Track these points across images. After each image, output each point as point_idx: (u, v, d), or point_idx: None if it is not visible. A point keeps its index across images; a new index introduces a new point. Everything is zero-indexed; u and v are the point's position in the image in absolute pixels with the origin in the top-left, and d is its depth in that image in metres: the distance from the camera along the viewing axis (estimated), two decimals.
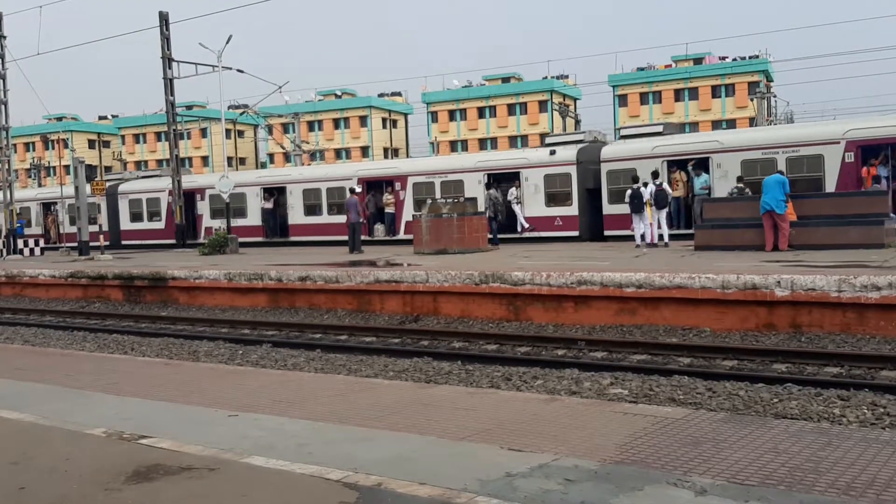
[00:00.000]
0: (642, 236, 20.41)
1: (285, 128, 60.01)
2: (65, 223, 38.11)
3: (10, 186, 34.42)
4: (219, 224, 31.96)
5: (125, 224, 35.90)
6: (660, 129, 25.59)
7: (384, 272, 15.73)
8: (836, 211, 17.02)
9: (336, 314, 15.96)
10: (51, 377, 7.83)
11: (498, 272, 14.21)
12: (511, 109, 75.34)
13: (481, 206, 25.13)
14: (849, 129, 21.20)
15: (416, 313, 15.05)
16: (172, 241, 33.04)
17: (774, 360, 9.94)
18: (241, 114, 49.50)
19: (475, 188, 26.06)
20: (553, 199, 25.40)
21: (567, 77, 77.75)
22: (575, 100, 75.12)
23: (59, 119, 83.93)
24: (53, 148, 71.26)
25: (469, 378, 9.55)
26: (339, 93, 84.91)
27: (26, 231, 37.77)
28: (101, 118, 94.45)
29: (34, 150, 78.34)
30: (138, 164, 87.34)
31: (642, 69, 72.47)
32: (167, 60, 32.24)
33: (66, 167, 60.71)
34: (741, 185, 21.18)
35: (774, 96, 54.41)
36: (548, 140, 27.72)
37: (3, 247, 33.19)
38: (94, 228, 34.55)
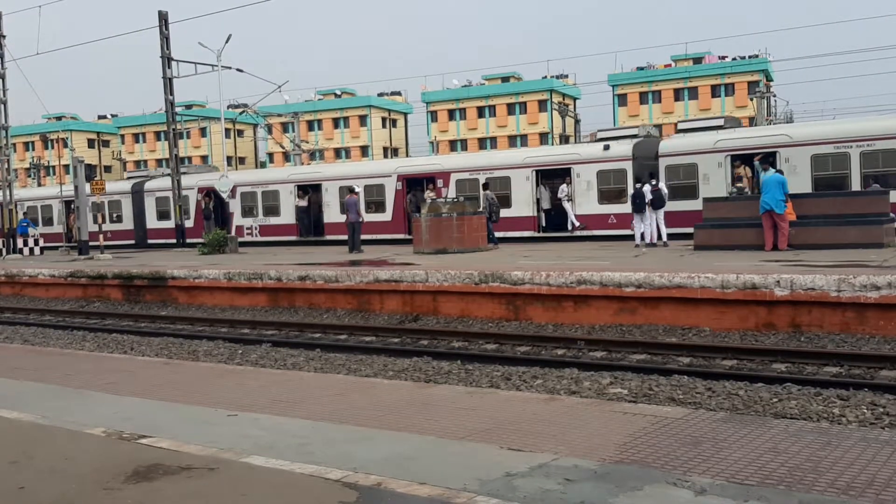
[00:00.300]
0: (642, 236, 20.42)
1: (285, 127, 59.99)
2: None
3: (9, 186, 34.38)
4: (251, 222, 31.50)
5: (151, 222, 35.04)
6: (720, 122, 24.64)
7: (384, 272, 15.73)
8: (836, 210, 17.02)
9: (336, 314, 15.95)
10: (50, 377, 7.83)
11: (497, 272, 14.21)
12: (510, 109, 75.33)
13: (529, 203, 24.53)
14: None
15: (416, 313, 15.05)
16: (202, 241, 32.39)
17: (774, 360, 9.94)
18: (241, 113, 49.48)
19: (522, 185, 25.17)
20: (606, 196, 24.22)
21: (567, 77, 77.77)
22: (574, 99, 75.12)
23: (59, 118, 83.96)
24: (53, 147, 71.23)
25: (469, 378, 9.55)
26: (338, 92, 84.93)
27: (46, 230, 37.43)
28: (100, 118, 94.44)
29: (33, 149, 78.30)
30: (137, 164, 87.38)
31: (642, 69, 72.47)
32: (166, 60, 32.22)
33: (66, 167, 60.74)
34: (740, 184, 21.20)
35: (774, 96, 54.42)
36: (599, 135, 26.68)
37: (3, 246, 33.17)
38: (119, 227, 34.04)
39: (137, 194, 35.35)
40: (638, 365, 10.00)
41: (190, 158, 79.04)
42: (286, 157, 65.92)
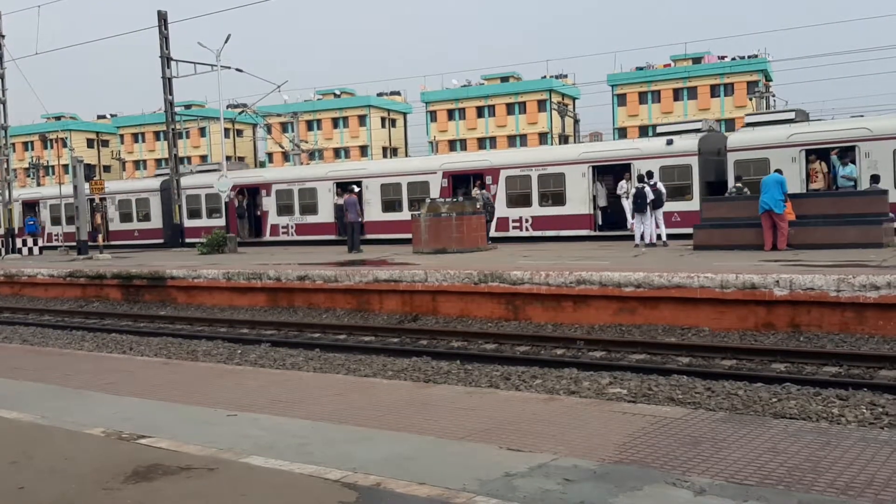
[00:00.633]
0: (641, 236, 20.42)
1: (284, 127, 59.97)
2: (115, 220, 36.44)
3: (8, 186, 34.35)
4: (287, 221, 30.66)
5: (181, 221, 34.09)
6: (791, 115, 23.66)
7: (383, 271, 15.73)
8: (835, 210, 17.03)
9: (335, 313, 15.95)
10: (49, 377, 7.83)
11: (497, 272, 14.21)
12: (510, 109, 75.32)
13: (585, 201, 23.77)
14: None
15: (415, 313, 15.05)
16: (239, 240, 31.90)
17: (773, 360, 9.95)
18: (240, 113, 49.49)
19: (578, 181, 24.10)
20: (670, 193, 22.64)
21: (566, 76, 77.76)
22: (574, 99, 75.12)
23: (58, 118, 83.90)
24: (52, 147, 71.17)
25: (468, 377, 9.55)
26: (337, 92, 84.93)
27: (71, 229, 36.84)
28: (99, 117, 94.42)
29: (33, 149, 78.24)
30: (137, 164, 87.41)
31: (641, 69, 72.48)
32: (166, 60, 32.22)
33: (65, 167, 60.69)
34: (740, 184, 21.19)
35: (773, 96, 54.45)
36: (659, 129, 25.79)
37: (2, 246, 33.16)
38: (147, 226, 33.46)
39: (167, 192, 34.35)
40: (637, 365, 10.00)
41: (189, 158, 78.99)
42: (285, 157, 65.95)
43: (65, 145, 65.81)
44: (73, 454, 4.97)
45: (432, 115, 78.45)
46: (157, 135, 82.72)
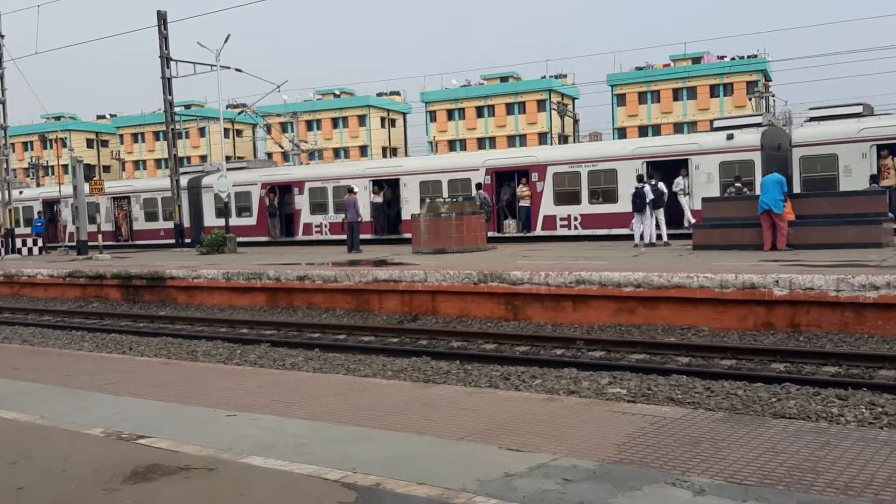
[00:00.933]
0: (641, 235, 20.44)
1: (284, 127, 59.98)
2: (139, 219, 35.70)
3: (8, 186, 34.35)
4: (320, 220, 30.00)
5: (210, 220, 33.03)
6: (859, 108, 22.89)
7: (382, 271, 15.73)
8: (835, 210, 17.04)
9: (334, 313, 15.95)
10: (49, 377, 7.82)
11: (496, 272, 14.21)
12: (509, 109, 75.36)
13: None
14: None
15: (415, 313, 15.05)
16: (265, 238, 31.09)
17: (773, 360, 9.95)
18: (240, 113, 49.49)
19: (631, 178, 22.76)
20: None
21: (565, 76, 77.81)
22: (573, 99, 75.16)
23: (58, 118, 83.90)
24: (51, 147, 71.20)
25: (468, 377, 9.55)
26: (337, 92, 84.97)
27: (93, 228, 36.76)
28: (99, 117, 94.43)
29: (32, 149, 78.27)
30: (136, 164, 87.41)
31: (641, 69, 72.51)
32: (165, 60, 32.22)
33: (65, 167, 60.70)
34: (739, 184, 21.21)
35: (773, 95, 54.42)
36: (717, 123, 24.88)
37: (2, 246, 33.16)
38: (172, 225, 32.55)
39: (194, 190, 33.64)
40: (637, 365, 10.00)
41: (189, 158, 79.00)
42: (285, 157, 65.88)
43: (64, 145, 65.83)
44: (72, 454, 4.97)
45: (432, 115, 78.48)
46: (156, 135, 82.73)
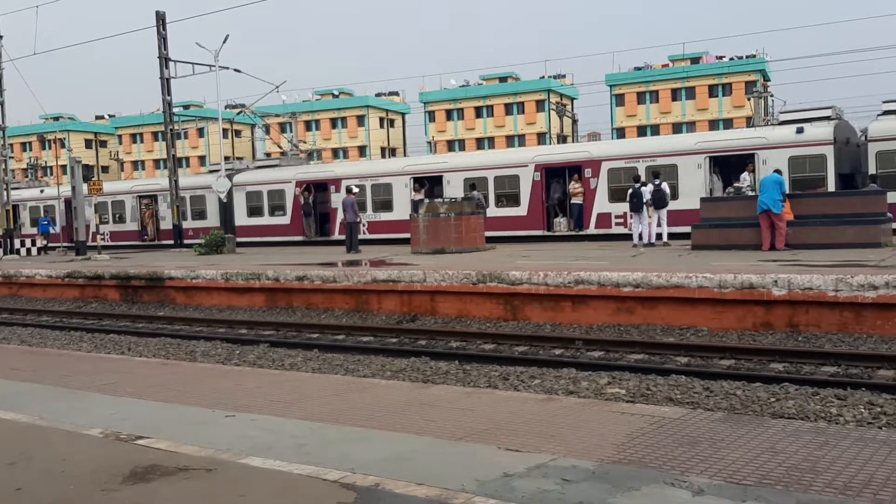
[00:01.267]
0: (640, 235, 20.46)
1: (282, 127, 59.94)
2: (167, 218, 34.41)
3: (6, 187, 34.33)
4: (359, 218, 28.89)
5: (241, 219, 32.17)
6: None
7: (381, 272, 15.73)
8: (833, 210, 17.05)
9: (333, 314, 15.95)
10: (48, 377, 7.82)
11: (495, 272, 14.21)
12: (508, 109, 75.33)
13: (701, 194, 21.60)
14: None
15: (414, 313, 15.05)
16: (300, 238, 30.18)
17: (772, 360, 9.96)
18: (239, 113, 49.45)
19: (693, 173, 22.25)
20: (801, 186, 21.13)
21: (564, 77, 77.77)
22: (572, 99, 75.16)
23: (56, 119, 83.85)
24: (50, 148, 71.14)
25: (467, 378, 9.55)
26: (336, 92, 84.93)
27: (118, 228, 35.69)
28: (97, 118, 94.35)
29: (31, 149, 78.23)
30: (135, 164, 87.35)
31: (639, 69, 72.51)
32: (164, 60, 32.21)
33: (63, 167, 60.66)
34: (738, 184, 21.23)
35: (771, 96, 54.31)
36: (782, 117, 24.03)
37: (1, 247, 33.15)
38: (202, 224, 31.65)
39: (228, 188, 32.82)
40: (636, 365, 10.00)
41: (187, 159, 79.01)
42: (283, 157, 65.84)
43: (63, 146, 65.80)
44: (71, 455, 4.96)
45: (431, 116, 78.44)
46: (155, 135, 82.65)
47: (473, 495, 3.85)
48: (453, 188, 27.04)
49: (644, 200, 20.15)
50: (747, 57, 68.39)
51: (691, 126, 63.82)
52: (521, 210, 25.89)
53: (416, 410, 5.84)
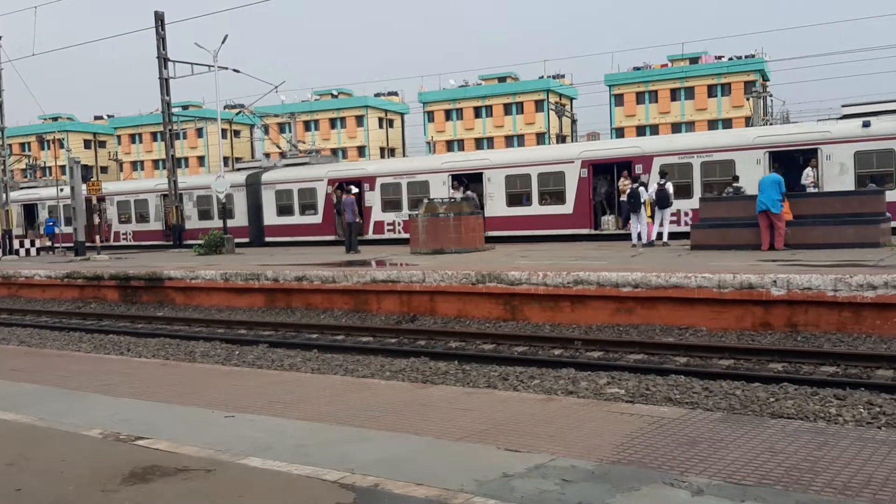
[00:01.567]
0: (639, 235, 20.46)
1: (281, 128, 60.00)
2: (192, 217, 33.87)
3: (5, 187, 34.32)
4: (393, 217, 28.31)
5: (270, 219, 31.56)
6: None
7: (381, 272, 15.73)
8: (832, 210, 17.06)
9: (333, 314, 15.95)
10: (47, 378, 7.82)
11: (495, 272, 14.21)
12: (507, 109, 75.32)
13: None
14: None
15: (413, 313, 15.05)
16: (331, 238, 29.51)
17: (771, 360, 9.96)
18: (238, 114, 49.48)
19: (752, 169, 21.20)
20: (867, 182, 20.47)
21: (563, 77, 77.75)
22: (571, 99, 75.18)
23: (55, 119, 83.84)
24: (49, 148, 71.05)
25: (466, 378, 9.55)
26: (335, 92, 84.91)
27: (141, 228, 35.08)
28: (96, 118, 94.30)
29: (30, 150, 78.17)
30: (134, 165, 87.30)
31: (638, 69, 72.51)
32: (163, 60, 32.22)
33: (62, 167, 60.66)
34: (737, 184, 21.23)
35: (770, 95, 54.43)
36: (845, 111, 23.04)
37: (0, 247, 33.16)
38: (230, 223, 30.60)
39: (252, 187, 32.12)
40: (635, 365, 10.01)
41: (186, 159, 79.00)
42: (282, 157, 65.89)
43: (62, 146, 65.76)
44: (70, 456, 4.96)
45: (430, 116, 78.42)
46: (154, 135, 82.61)
47: (473, 495, 3.86)
48: (494, 186, 26.19)
49: (642, 200, 20.16)
50: (746, 57, 68.42)
51: (690, 126, 63.81)
52: (567, 208, 25.01)
53: (416, 411, 5.84)
